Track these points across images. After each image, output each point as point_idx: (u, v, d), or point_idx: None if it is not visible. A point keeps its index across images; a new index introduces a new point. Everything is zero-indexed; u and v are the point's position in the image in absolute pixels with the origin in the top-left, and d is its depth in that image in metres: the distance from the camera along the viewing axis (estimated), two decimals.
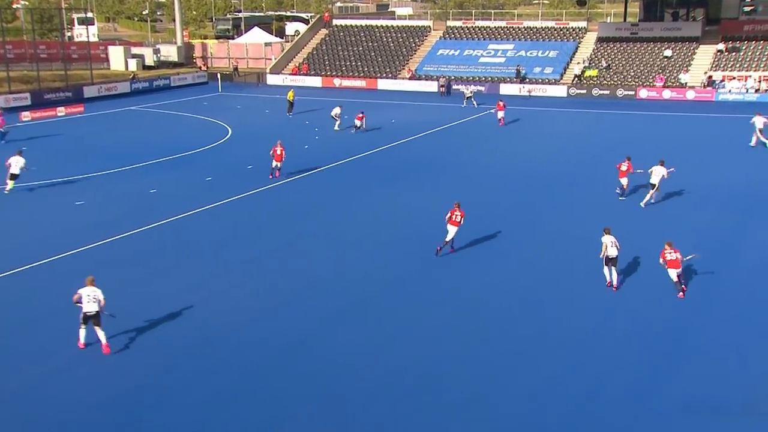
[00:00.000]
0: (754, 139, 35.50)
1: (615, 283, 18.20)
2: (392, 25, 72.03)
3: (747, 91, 51.79)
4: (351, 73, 65.60)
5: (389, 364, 14.53)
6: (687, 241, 20.56)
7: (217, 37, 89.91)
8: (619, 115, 46.97)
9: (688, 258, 17.92)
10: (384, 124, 43.16)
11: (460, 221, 20.12)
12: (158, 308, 17.00)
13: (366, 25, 72.54)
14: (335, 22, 73.63)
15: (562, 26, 65.73)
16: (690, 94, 52.93)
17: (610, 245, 18.10)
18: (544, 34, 65.12)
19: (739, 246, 21.42)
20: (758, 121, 35.55)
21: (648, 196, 25.05)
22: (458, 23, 69.88)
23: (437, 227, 23.27)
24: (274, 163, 29.57)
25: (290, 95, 48.38)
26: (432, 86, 60.34)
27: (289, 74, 66.78)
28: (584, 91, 55.92)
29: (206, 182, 29.38)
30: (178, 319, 16.56)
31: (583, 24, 65.37)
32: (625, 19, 68.82)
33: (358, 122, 40.61)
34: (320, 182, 29.63)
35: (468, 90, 52.55)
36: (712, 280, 18.69)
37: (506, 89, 57.53)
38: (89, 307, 14.78)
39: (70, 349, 15.00)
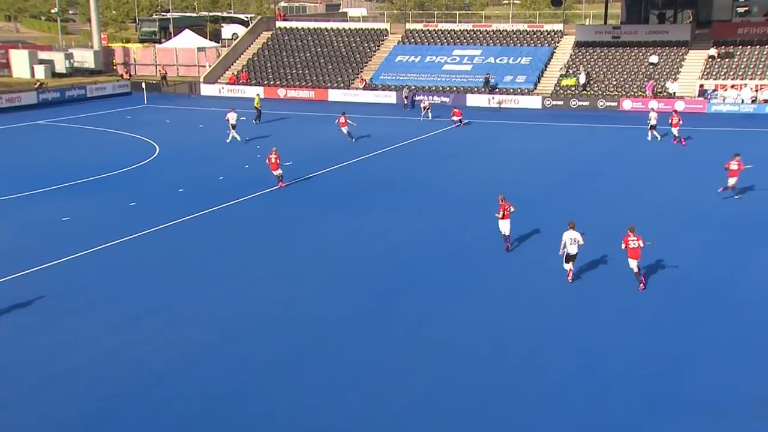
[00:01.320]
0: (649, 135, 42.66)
1: (570, 277, 20.78)
2: (344, 28, 72.91)
3: (742, 102, 53.69)
4: (297, 83, 66.07)
5: (337, 421, 14.59)
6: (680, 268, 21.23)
7: (142, 41, 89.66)
8: (601, 128, 48.05)
9: (647, 244, 20.06)
10: (337, 141, 43.47)
11: (508, 213, 23.06)
12: (61, 361, 16.73)
13: (314, 28, 73.25)
14: (279, 24, 74.19)
15: (535, 29, 67.34)
16: (679, 105, 54.46)
17: (569, 242, 20.32)
18: (515, 39, 66.62)
19: (738, 274, 22.11)
20: (652, 116, 42.88)
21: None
22: (419, 26, 71.12)
23: (394, 256, 23.71)
24: (274, 173, 31.78)
25: (257, 101, 50.38)
26: (390, 97, 61.08)
27: (227, 84, 66.88)
28: (561, 103, 57.24)
29: (130, 208, 29.25)
30: (87, 373, 16.28)
31: (559, 27, 67.08)
32: (605, 22, 70.80)
33: (344, 129, 42.69)
34: (262, 207, 29.69)
35: (425, 101, 53.36)
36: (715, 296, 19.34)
37: (474, 100, 58.57)
38: None
39: None
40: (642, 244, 20.10)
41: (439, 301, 20.26)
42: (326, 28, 72.84)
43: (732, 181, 29.40)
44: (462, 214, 28.62)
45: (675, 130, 41.40)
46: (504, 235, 23.63)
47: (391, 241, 25.28)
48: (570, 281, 21.10)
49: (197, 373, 16.31)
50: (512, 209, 23.33)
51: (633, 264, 20.25)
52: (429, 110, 52.00)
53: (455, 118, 48.63)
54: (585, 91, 57.54)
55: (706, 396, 15.22)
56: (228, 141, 42.96)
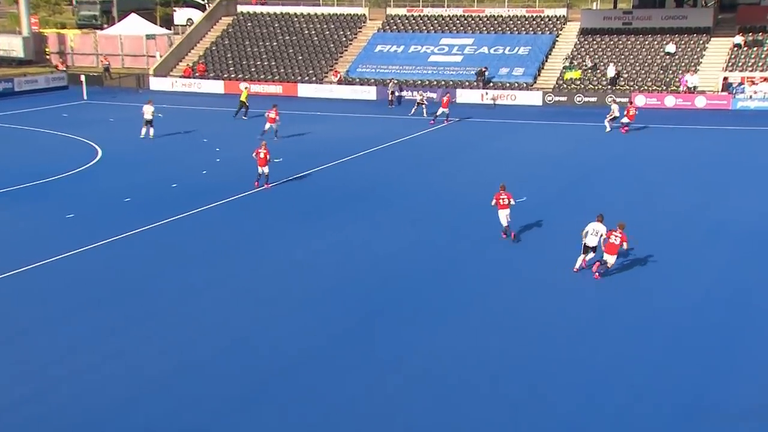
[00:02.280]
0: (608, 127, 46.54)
1: (578, 265, 23.09)
2: (316, 14, 73.10)
3: None
4: (263, 76, 66.14)
5: None
6: (701, 284, 21.62)
7: (80, 27, 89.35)
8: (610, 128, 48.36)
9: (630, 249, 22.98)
10: (310, 143, 43.47)
11: (508, 203, 25.50)
12: None
13: (281, 13, 73.41)
14: (241, 9, 74.28)
15: (535, 15, 67.83)
16: (700, 101, 55.06)
17: (591, 233, 22.77)
18: (512, 25, 67.10)
19: (760, 292, 22.33)
20: (615, 109, 46.60)
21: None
22: (401, 11, 71.44)
23: (376, 272, 23.79)
24: (260, 170, 32.53)
25: (244, 95, 51.35)
26: (369, 93, 61.28)
27: (181, 77, 66.85)
28: (564, 98, 57.68)
29: (67, 220, 29.05)
30: (14, 414, 16.02)
31: (561, 12, 67.65)
32: (615, 6, 71.42)
33: (270, 125, 43.24)
34: (223, 218, 29.64)
35: (420, 96, 53.63)
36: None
37: (465, 96, 58.87)
38: None
39: None
40: (625, 246, 22.50)
41: (426, 325, 20.22)
42: (295, 13, 73.00)
43: None
44: (452, 225, 28.74)
45: (625, 119, 46.32)
46: (503, 225, 26.03)
47: (373, 256, 25.30)
48: (575, 270, 23.21)
49: (143, 412, 16.11)
50: (512, 202, 25.73)
51: (611, 259, 22.66)
52: (424, 107, 52.24)
53: (444, 110, 49.48)
54: (614, 87, 57.92)
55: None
56: (141, 137, 43.86)
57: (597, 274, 22.91)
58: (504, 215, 25.92)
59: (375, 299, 21.98)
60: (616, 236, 22.40)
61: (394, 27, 69.45)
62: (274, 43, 69.86)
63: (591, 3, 77.00)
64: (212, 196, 32.01)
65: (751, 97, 54.60)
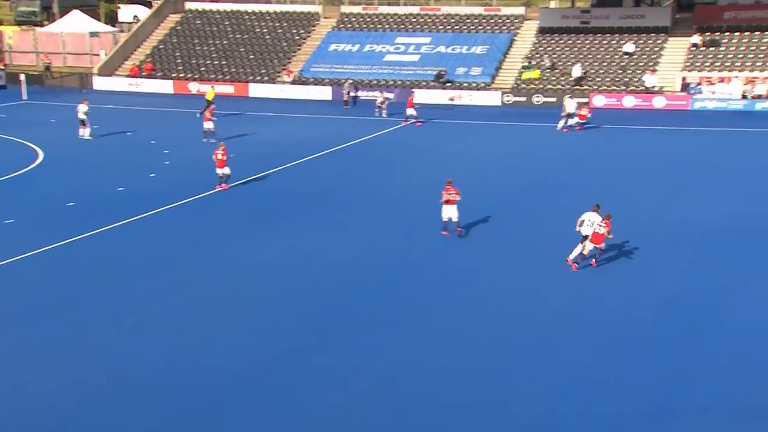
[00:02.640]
0: (561, 123, 47.56)
1: (572, 257, 23.83)
2: (268, 12, 72.76)
3: (731, 97, 55.08)
4: (213, 76, 65.62)
5: None
6: (662, 287, 21.81)
7: (19, 23, 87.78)
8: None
9: (610, 237, 23.64)
10: (262, 144, 43.29)
11: (454, 199, 26.14)
12: None
13: (232, 11, 72.94)
14: (189, 6, 73.65)
15: (492, 13, 68.22)
16: (659, 102, 55.74)
17: (587, 223, 23.64)
18: (469, 24, 67.36)
19: (723, 294, 22.58)
20: (568, 105, 47.97)
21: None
22: (356, 9, 71.36)
23: (330, 281, 23.59)
24: (219, 171, 32.93)
25: (210, 94, 51.81)
26: (323, 93, 61.05)
27: (127, 76, 66.09)
28: (523, 99, 58.02)
29: (5, 226, 28.63)
30: None
31: (519, 10, 68.12)
32: (573, 4, 72.09)
33: (208, 125, 43.08)
34: (170, 224, 29.33)
35: (381, 96, 53.65)
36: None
37: (424, 96, 58.77)
38: None
39: None
40: (608, 235, 23.46)
41: (384, 333, 20.10)
42: (246, 11, 72.55)
43: None
44: (409, 229, 28.67)
45: (576, 119, 47.66)
46: (443, 221, 26.70)
47: (328, 262, 25.13)
48: (569, 260, 24.01)
49: (83, 428, 15.75)
50: (458, 197, 26.25)
51: (589, 246, 23.76)
52: (384, 108, 52.22)
53: (410, 112, 49.76)
54: (579, 87, 58.37)
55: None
56: (79, 137, 43.79)
57: (593, 261, 24.19)
58: (448, 211, 26.48)
59: (330, 307, 21.78)
60: (600, 226, 23.37)
61: (349, 25, 69.34)
62: (225, 42, 69.35)
63: (549, 1, 77.61)
64: (161, 200, 31.69)
65: (709, 97, 55.43)
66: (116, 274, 24.17)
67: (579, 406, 16.59)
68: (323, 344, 19.61)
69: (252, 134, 45.92)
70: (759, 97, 54.46)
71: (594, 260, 24.16)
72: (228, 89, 62.86)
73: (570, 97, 50.43)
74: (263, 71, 65.65)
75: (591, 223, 23.62)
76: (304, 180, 35.99)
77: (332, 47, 66.44)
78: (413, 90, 56.40)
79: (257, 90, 62.86)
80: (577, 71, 59.08)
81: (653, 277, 23.92)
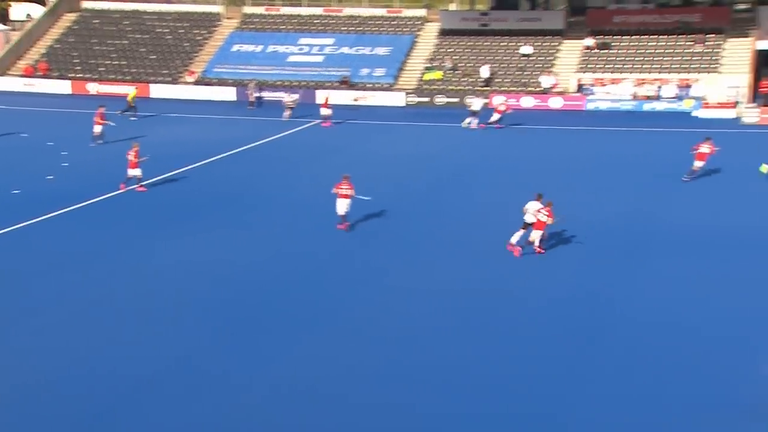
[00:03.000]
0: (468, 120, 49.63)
1: (514, 241, 25.38)
2: (168, 12, 72.57)
3: (622, 98, 57.69)
4: (113, 76, 65.05)
5: None
6: (564, 288, 23.04)
7: None
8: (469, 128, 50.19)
9: (556, 220, 25.16)
10: (165, 145, 43.10)
11: (349, 194, 27.41)
12: None
13: (131, 11, 72.48)
14: (86, 5, 72.75)
15: (394, 15, 69.53)
16: (555, 102, 57.93)
17: (530, 211, 24.96)
18: (372, 25, 68.54)
19: (619, 293, 23.97)
20: (475, 102, 50.82)
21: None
22: (259, 10, 71.72)
23: (233, 285, 23.29)
24: (129, 172, 32.85)
25: (131, 95, 52.01)
26: (228, 93, 61.31)
27: (21, 76, 64.95)
28: (426, 99, 59.51)
29: None
30: None
31: (421, 12, 69.60)
32: (472, 6, 73.78)
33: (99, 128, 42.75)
34: (66, 228, 28.49)
35: (290, 99, 53.98)
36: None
37: (330, 97, 59.53)
38: None
39: None
40: (550, 221, 24.91)
41: (288, 335, 19.93)
42: (146, 11, 72.15)
43: (698, 164, 34.80)
44: (315, 230, 28.59)
45: (497, 115, 49.28)
46: (339, 215, 27.89)
47: (231, 266, 24.94)
48: (510, 245, 25.48)
49: None
50: (352, 192, 27.59)
51: (534, 234, 25.27)
52: (292, 107, 52.64)
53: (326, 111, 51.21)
54: (488, 87, 60.02)
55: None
56: None
57: (516, 252, 25.56)
58: (342, 204, 27.81)
59: (234, 310, 21.53)
60: (543, 213, 24.90)
61: (252, 26, 69.67)
62: (125, 42, 68.85)
63: (449, 4, 79.13)
64: (60, 203, 30.92)
65: (602, 98, 57.87)
66: (10, 281, 23.28)
67: (491, 404, 16.69)
68: (225, 348, 19.20)
69: (156, 135, 45.44)
70: (647, 98, 57.19)
71: (539, 247, 25.64)
72: (129, 90, 62.21)
73: (474, 96, 53.06)
74: (165, 72, 65.46)
75: (534, 211, 25.08)
76: (211, 181, 35.99)
77: (235, 48, 66.74)
78: (329, 91, 57.85)
79: (159, 91, 62.69)
80: (485, 72, 60.78)
81: (556, 274, 24.43)
